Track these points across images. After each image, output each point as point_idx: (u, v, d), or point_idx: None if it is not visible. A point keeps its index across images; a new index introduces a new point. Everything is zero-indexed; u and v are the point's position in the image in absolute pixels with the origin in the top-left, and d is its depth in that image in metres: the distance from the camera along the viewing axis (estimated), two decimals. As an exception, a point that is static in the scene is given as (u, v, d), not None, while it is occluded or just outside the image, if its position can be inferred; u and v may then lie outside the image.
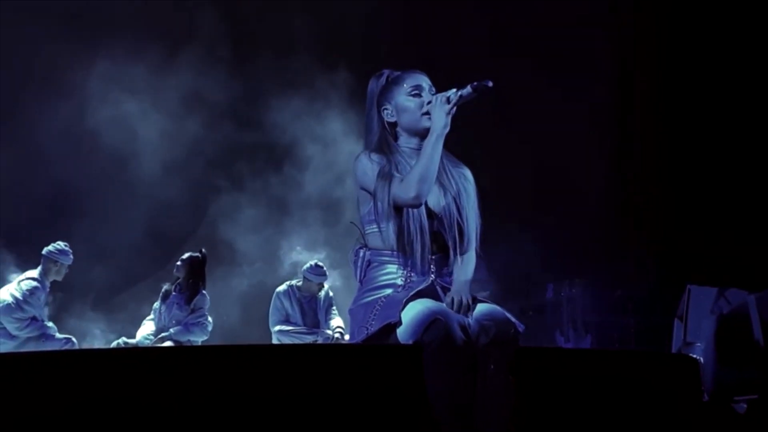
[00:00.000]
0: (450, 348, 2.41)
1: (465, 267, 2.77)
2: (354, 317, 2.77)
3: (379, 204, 2.70)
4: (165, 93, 7.29)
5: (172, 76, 7.30)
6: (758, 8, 6.80)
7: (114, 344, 6.01)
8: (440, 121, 2.68)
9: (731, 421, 3.92)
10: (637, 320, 7.57)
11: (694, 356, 4.17)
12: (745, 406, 3.99)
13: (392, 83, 2.87)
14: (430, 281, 2.71)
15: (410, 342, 2.52)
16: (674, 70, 7.67)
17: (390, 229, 2.71)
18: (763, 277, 5.23)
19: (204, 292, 6.08)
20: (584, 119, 7.80)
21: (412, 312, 2.54)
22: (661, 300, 6.70)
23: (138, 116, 7.30)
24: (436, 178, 2.71)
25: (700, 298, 4.95)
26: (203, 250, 6.15)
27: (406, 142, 2.84)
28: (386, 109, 2.85)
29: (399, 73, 2.90)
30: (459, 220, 2.77)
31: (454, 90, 2.71)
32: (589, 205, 8.00)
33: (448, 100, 2.69)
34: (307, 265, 6.33)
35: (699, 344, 4.79)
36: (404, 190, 2.66)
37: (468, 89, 2.69)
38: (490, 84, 2.67)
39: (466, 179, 2.86)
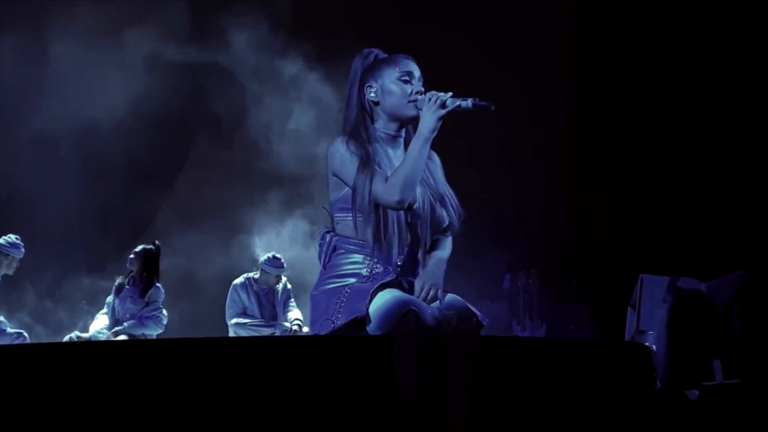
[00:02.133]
0: (423, 341, 2.38)
1: (442, 249, 2.75)
2: (316, 304, 2.71)
3: (358, 198, 2.62)
4: (117, 71, 7.09)
5: (125, 49, 7.09)
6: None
7: (67, 339, 5.92)
8: (430, 123, 2.60)
9: (683, 408, 3.99)
10: (592, 309, 7.68)
11: (647, 344, 4.24)
12: (697, 392, 4.07)
13: (381, 62, 2.79)
14: (394, 276, 2.65)
15: (378, 333, 2.48)
16: (626, 61, 7.78)
17: (366, 221, 2.64)
18: (715, 265, 5.33)
19: (158, 284, 6.01)
20: (538, 113, 7.86)
21: (381, 301, 2.50)
22: (615, 289, 6.79)
23: (90, 98, 7.10)
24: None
25: (653, 287, 5.01)
26: (157, 242, 6.09)
27: (384, 126, 2.77)
28: (371, 87, 2.76)
29: (389, 54, 2.82)
30: (433, 213, 2.73)
31: (450, 95, 2.62)
32: (544, 195, 8.07)
33: (444, 105, 2.60)
34: (265, 257, 6.30)
35: (651, 332, 4.86)
36: (388, 192, 2.59)
37: (469, 104, 2.61)
38: (493, 108, 2.60)
39: (434, 163, 2.82)
